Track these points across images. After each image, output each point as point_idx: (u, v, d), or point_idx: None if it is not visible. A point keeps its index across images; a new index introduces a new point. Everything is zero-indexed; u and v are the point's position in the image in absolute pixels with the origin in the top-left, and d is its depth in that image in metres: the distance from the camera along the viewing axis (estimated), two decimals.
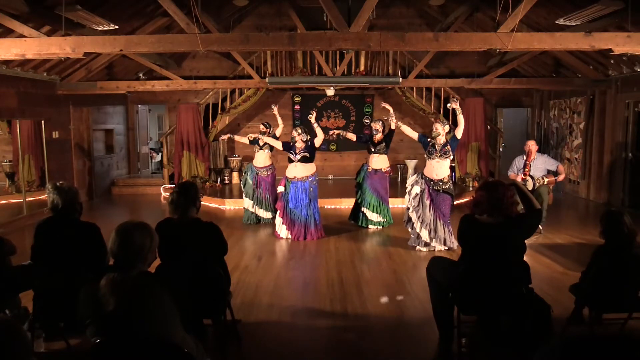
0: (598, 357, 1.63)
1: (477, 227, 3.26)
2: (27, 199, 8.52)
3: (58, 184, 3.53)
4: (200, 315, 3.49)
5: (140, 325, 2.21)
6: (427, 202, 6.25)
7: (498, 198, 3.18)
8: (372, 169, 7.51)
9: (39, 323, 3.51)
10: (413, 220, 6.34)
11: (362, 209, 7.65)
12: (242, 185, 8.22)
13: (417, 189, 6.31)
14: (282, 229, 7.07)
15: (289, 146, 7.02)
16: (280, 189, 7.13)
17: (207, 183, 11.53)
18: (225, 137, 8.38)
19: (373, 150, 7.49)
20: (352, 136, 7.64)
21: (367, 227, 7.67)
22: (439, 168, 6.26)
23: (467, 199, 9.63)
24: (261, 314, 4.36)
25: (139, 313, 2.22)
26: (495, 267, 3.21)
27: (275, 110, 7.87)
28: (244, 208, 8.17)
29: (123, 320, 2.19)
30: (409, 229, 6.53)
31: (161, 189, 11.60)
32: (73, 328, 3.32)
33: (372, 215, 7.61)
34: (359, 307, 4.51)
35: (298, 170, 6.88)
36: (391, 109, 7.19)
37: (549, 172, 6.89)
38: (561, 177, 6.91)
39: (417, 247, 6.36)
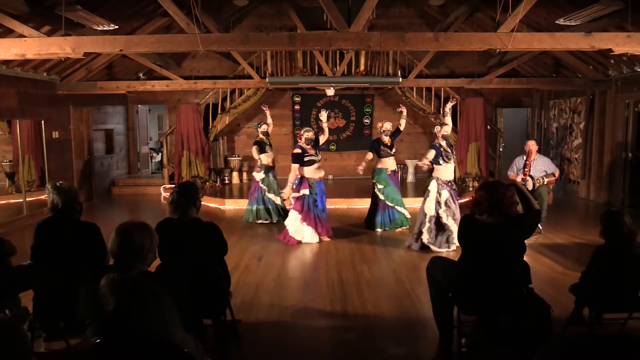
0: (598, 357, 1.63)
1: (477, 227, 3.27)
2: (27, 199, 8.52)
3: (58, 184, 3.53)
4: (200, 315, 3.49)
5: (140, 325, 2.21)
6: (456, 202, 6.32)
7: (498, 198, 3.19)
8: (391, 170, 7.49)
9: (39, 323, 3.51)
10: (449, 224, 6.13)
11: (400, 210, 7.49)
12: (267, 190, 8.00)
13: (446, 194, 6.23)
14: (310, 235, 6.77)
15: (301, 156, 6.70)
16: (305, 191, 6.75)
17: (207, 183, 11.53)
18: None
19: (390, 152, 7.46)
20: (369, 156, 7.51)
21: (402, 228, 7.51)
22: (452, 169, 6.41)
23: (467, 199, 9.62)
24: (261, 314, 4.36)
25: (139, 313, 2.22)
26: (495, 267, 3.22)
27: (267, 111, 8.34)
28: (276, 206, 8.08)
29: (123, 320, 2.19)
30: (424, 236, 6.27)
31: (161, 189, 11.60)
32: (73, 328, 3.32)
33: (407, 214, 7.56)
34: (359, 307, 4.52)
35: (321, 170, 6.89)
36: (404, 111, 7.36)
37: (547, 174, 6.91)
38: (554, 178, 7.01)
39: (445, 250, 6.17)
